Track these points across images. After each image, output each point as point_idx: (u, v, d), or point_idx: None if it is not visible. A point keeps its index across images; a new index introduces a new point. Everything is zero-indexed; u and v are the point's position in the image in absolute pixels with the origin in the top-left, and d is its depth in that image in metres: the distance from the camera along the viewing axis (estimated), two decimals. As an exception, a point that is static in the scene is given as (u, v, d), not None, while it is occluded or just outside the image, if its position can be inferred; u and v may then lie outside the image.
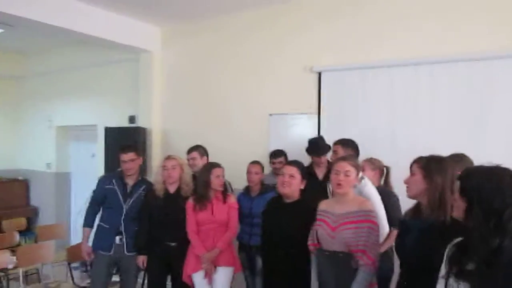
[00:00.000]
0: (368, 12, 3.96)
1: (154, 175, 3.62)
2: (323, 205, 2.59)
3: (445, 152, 2.27)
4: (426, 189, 1.93)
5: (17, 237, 5.21)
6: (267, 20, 4.56)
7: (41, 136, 7.04)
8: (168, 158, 3.55)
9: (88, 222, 3.66)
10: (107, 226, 3.55)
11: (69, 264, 4.20)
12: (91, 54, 6.10)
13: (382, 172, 3.34)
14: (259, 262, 3.39)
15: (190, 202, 3.35)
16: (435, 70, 3.61)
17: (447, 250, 1.57)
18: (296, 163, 2.92)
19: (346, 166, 2.47)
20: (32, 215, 7.03)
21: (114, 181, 3.59)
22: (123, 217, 3.51)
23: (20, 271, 4.15)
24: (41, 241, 5.07)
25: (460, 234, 1.68)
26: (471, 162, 2.60)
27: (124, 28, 4.99)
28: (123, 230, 3.50)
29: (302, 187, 2.84)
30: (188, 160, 3.90)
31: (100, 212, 3.71)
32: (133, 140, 5.07)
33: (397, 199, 3.09)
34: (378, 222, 2.45)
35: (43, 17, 4.17)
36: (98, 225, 3.64)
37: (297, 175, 2.80)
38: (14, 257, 4.34)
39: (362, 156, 3.34)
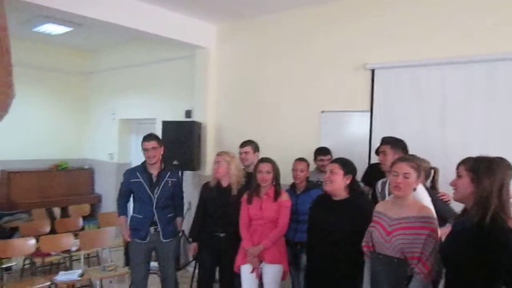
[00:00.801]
0: (422, 8, 3.82)
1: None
2: (380, 207, 2.49)
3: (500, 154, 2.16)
4: (473, 192, 1.84)
5: (81, 222, 5.59)
6: (321, 17, 4.53)
7: (105, 128, 7.49)
8: (220, 153, 3.68)
9: (121, 211, 3.81)
10: (141, 216, 3.67)
11: (125, 249, 4.44)
12: (151, 51, 6.39)
13: (428, 173, 3.22)
14: (303, 258, 3.40)
15: (244, 196, 3.44)
16: (491, 68, 3.43)
17: None
18: (338, 160, 2.86)
19: (405, 168, 2.33)
20: (95, 202, 7.48)
21: (138, 173, 3.68)
22: (154, 206, 3.63)
23: (82, 253, 4.46)
24: (102, 227, 5.41)
25: (496, 239, 1.63)
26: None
27: (181, 26, 5.16)
28: (156, 220, 3.63)
29: (348, 182, 2.77)
30: (240, 153, 3.98)
31: (132, 203, 3.85)
32: (188, 134, 5.26)
33: (439, 200, 2.99)
34: (438, 230, 2.29)
35: (108, 16, 4.42)
36: (132, 216, 3.75)
37: (339, 171, 2.74)
38: (77, 240, 4.68)
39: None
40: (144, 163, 3.74)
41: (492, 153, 2.04)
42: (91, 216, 6.65)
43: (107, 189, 7.38)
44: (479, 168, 1.84)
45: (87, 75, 7.93)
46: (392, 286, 2.28)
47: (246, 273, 3.36)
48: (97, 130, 7.74)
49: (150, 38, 5.28)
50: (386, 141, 3.24)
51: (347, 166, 2.80)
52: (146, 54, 6.53)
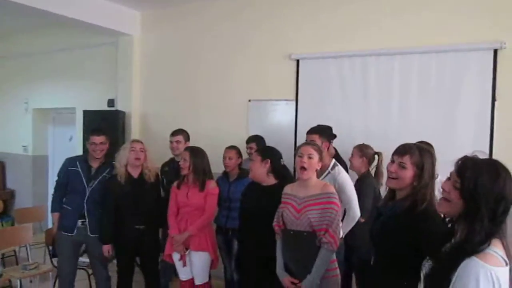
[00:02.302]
0: (347, 2, 4.05)
1: (117, 159, 3.55)
2: (288, 189, 2.68)
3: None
4: (411, 183, 1.91)
5: (-7, 220, 5.19)
6: (247, 7, 4.60)
7: (17, 118, 6.92)
8: (136, 141, 3.65)
9: (56, 207, 3.63)
10: (70, 208, 3.54)
11: (47, 246, 4.21)
12: (71, 37, 6.00)
13: (372, 158, 3.45)
14: (235, 244, 3.49)
15: (174, 185, 3.44)
16: (408, 60, 3.75)
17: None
18: (258, 149, 3.01)
19: (309, 150, 2.56)
20: (8, 198, 6.94)
21: (78, 163, 3.56)
22: (86, 199, 3.51)
23: (-3, 253, 4.16)
24: (18, 223, 5.06)
25: (430, 225, 1.76)
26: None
27: (104, 11, 4.94)
28: (85, 213, 3.50)
29: (267, 167, 2.84)
30: (171, 142, 3.95)
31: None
32: (111, 124, 5.08)
33: (371, 189, 3.23)
34: (339, 203, 2.56)
35: (21, -2, 4.09)
36: (63, 207, 3.61)
37: (256, 157, 2.87)
38: (-9, 240, 4.34)
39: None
40: (86, 153, 3.64)
41: (410, 138, 2.26)
42: (4, 213, 6.19)
43: (22, 183, 6.87)
44: (424, 164, 1.90)
45: (-6, 61, 7.27)
46: (302, 257, 2.50)
47: (177, 260, 3.39)
48: (8, 121, 7.12)
49: (69, 23, 4.97)
50: (313, 130, 3.33)
51: (263, 152, 2.93)
52: (65, 40, 6.11)
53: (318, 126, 3.40)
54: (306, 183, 2.58)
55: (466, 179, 1.41)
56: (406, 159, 1.91)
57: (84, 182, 3.52)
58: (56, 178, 3.71)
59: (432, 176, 1.92)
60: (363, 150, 3.42)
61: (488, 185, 1.38)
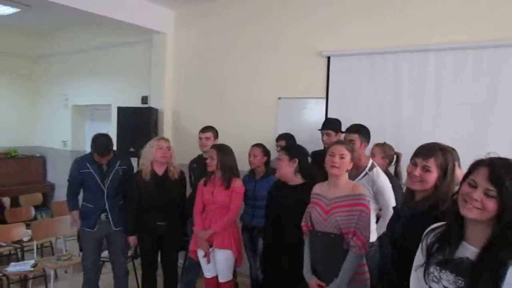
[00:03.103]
0: (379, -3, 3.94)
1: (143, 156, 3.60)
2: (317, 189, 2.62)
3: (449, 142, 2.28)
4: (435, 185, 1.87)
5: (32, 211, 5.40)
6: (278, 3, 4.56)
7: (57, 114, 7.21)
8: (162, 138, 3.66)
9: (73, 205, 3.69)
10: (92, 206, 3.59)
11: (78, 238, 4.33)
12: (107, 35, 6.18)
13: (391, 158, 3.35)
14: (260, 243, 3.47)
15: (201, 182, 3.46)
16: (442, 57, 3.60)
17: (426, 238, 1.57)
18: (284, 147, 2.95)
19: (341, 149, 2.48)
20: (48, 191, 7.24)
21: (88, 164, 3.58)
22: (105, 196, 3.56)
23: (35, 243, 4.33)
24: (56, 216, 5.25)
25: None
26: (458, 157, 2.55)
27: (138, 9, 5.03)
28: (107, 208, 3.57)
29: (295, 166, 2.83)
30: (201, 138, 3.97)
31: (81, 193, 3.73)
32: (144, 120, 5.18)
33: (400, 192, 3.10)
34: (369, 206, 2.47)
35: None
36: (82, 205, 3.66)
37: (283, 157, 2.84)
38: (29, 231, 4.53)
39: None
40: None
41: (443, 137, 2.16)
42: (43, 206, 6.44)
43: (61, 177, 7.09)
44: (448, 166, 1.86)
45: (37, 59, 7.57)
46: (330, 260, 2.43)
47: (201, 257, 3.41)
48: (48, 117, 7.44)
49: (106, 22, 5.11)
50: (353, 129, 3.14)
51: (290, 151, 2.90)
52: (102, 38, 6.31)
53: (357, 125, 3.19)
54: (336, 183, 2.50)
55: (505, 188, 1.32)
56: (431, 163, 1.86)
57: (99, 181, 3.55)
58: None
59: (453, 176, 1.87)
60: (386, 151, 3.32)
61: None
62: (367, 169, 2.98)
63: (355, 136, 3.05)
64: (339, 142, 2.62)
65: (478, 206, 1.37)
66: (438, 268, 1.47)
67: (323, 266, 2.48)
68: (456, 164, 2.36)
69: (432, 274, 1.48)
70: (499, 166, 1.36)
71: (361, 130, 3.11)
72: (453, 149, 2.51)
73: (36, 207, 5.73)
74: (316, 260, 2.52)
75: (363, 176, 2.98)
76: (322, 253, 2.48)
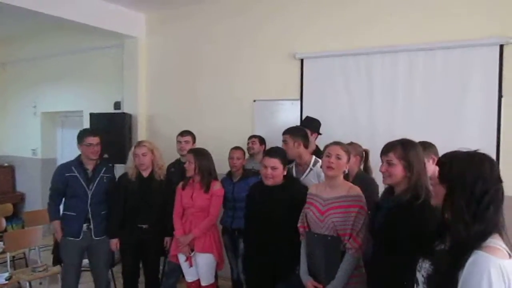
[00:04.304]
0: (350, 0, 4.02)
1: (128, 161, 3.63)
2: (313, 189, 2.62)
3: (420, 139, 2.37)
4: (405, 177, 2.00)
5: (3, 222, 5.22)
6: (250, 6, 4.60)
7: (26, 122, 7.02)
8: (138, 145, 3.62)
9: (54, 215, 3.58)
10: (74, 214, 3.50)
11: (52, 252, 4.23)
12: (76, 40, 6.06)
13: (362, 157, 3.43)
14: (241, 244, 3.48)
15: (179, 186, 3.45)
16: (413, 57, 3.71)
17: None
18: (278, 155, 2.84)
19: (338, 150, 2.49)
20: (18, 201, 7.03)
21: (73, 168, 3.52)
22: (89, 202, 3.49)
23: (8, 255, 4.20)
24: (28, 226, 5.11)
25: (429, 216, 1.78)
26: (436, 151, 2.67)
27: (109, 14, 4.98)
28: (90, 217, 3.49)
29: (284, 173, 2.84)
30: (180, 142, 3.97)
31: (63, 201, 3.63)
32: (118, 126, 5.12)
33: (376, 186, 3.18)
34: (366, 207, 2.45)
35: (26, 3, 4.13)
36: (64, 214, 3.56)
37: (279, 166, 2.79)
38: (1, 242, 4.39)
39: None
40: (79, 157, 3.59)
41: (415, 136, 2.22)
42: (14, 216, 6.26)
43: (31, 186, 6.96)
44: (409, 156, 1.99)
45: (4, 66, 7.35)
46: (327, 261, 2.42)
47: (182, 261, 3.40)
48: (17, 125, 7.22)
49: (75, 26, 5.01)
50: (285, 130, 3.26)
51: (285, 160, 2.88)
52: (71, 43, 6.18)
53: (297, 126, 3.43)
54: (332, 183, 2.50)
55: (442, 164, 1.48)
56: (391, 156, 2.02)
57: (84, 186, 3.49)
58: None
59: (424, 165, 2.01)
60: (356, 149, 3.40)
61: (462, 165, 1.42)
62: (311, 165, 3.10)
63: (286, 137, 3.17)
64: (335, 143, 2.58)
65: (433, 191, 1.61)
66: (422, 258, 1.55)
67: (320, 268, 2.47)
68: (433, 157, 2.48)
69: (419, 264, 1.56)
70: (446, 153, 1.55)
71: (293, 130, 3.22)
72: (431, 144, 2.67)
73: (7, 218, 5.55)
74: (313, 262, 2.51)
75: (308, 172, 3.08)
76: (319, 255, 2.46)
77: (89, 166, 3.56)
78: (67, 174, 3.51)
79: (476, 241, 1.33)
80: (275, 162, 2.78)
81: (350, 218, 2.36)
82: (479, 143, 3.25)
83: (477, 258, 1.29)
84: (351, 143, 3.44)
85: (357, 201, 2.41)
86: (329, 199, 2.46)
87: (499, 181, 1.41)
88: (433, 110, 3.64)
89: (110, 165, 3.79)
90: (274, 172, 2.78)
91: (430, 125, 3.59)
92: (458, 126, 3.55)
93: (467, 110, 3.53)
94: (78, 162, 3.57)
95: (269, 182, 2.79)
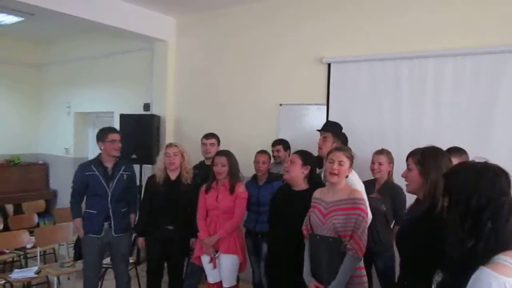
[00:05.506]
0: (378, 4, 3.98)
1: (157, 162, 3.70)
2: (317, 193, 2.68)
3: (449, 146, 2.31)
4: (423, 184, 1.91)
5: (36, 218, 5.42)
6: (279, 11, 4.61)
7: (60, 121, 7.27)
8: (170, 145, 3.68)
9: (76, 213, 3.66)
10: (95, 212, 3.58)
11: (75, 244, 4.34)
12: (109, 43, 6.25)
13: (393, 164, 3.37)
14: (264, 248, 3.50)
15: (202, 188, 3.48)
16: (442, 63, 3.63)
17: None
18: (298, 150, 2.95)
19: (340, 156, 2.55)
20: (51, 197, 7.26)
21: (93, 167, 3.60)
22: (109, 200, 3.56)
23: (38, 250, 4.35)
24: (58, 223, 5.27)
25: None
26: (467, 158, 2.60)
27: (140, 18, 5.10)
28: (111, 214, 3.56)
29: (306, 173, 2.85)
30: (205, 144, 4.01)
31: (84, 200, 3.72)
32: (146, 127, 5.22)
33: (405, 196, 3.11)
34: (366, 210, 2.53)
35: (63, 7, 4.29)
36: (85, 212, 3.65)
37: (297, 161, 2.85)
38: (33, 237, 4.55)
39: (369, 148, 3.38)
40: (99, 156, 3.67)
41: (443, 143, 2.19)
42: (46, 212, 6.47)
43: (63, 184, 7.11)
44: (425, 161, 1.91)
45: (40, 67, 7.64)
46: (328, 262, 2.47)
47: (206, 263, 3.42)
48: (51, 124, 7.49)
49: (108, 30, 5.18)
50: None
51: (306, 156, 2.90)
52: (103, 46, 6.38)
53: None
54: (334, 187, 2.57)
55: (445, 176, 1.48)
56: (410, 161, 1.99)
57: (104, 184, 3.56)
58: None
59: (434, 173, 1.89)
60: (389, 156, 3.36)
61: (461, 178, 1.39)
62: None
63: (328, 134, 3.31)
64: (338, 149, 2.67)
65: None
66: (438, 272, 1.51)
67: (322, 269, 2.52)
68: None
69: (434, 277, 1.52)
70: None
71: (337, 131, 3.36)
72: (463, 151, 2.60)
73: (39, 214, 5.75)
74: (316, 263, 2.56)
75: None
76: (321, 256, 2.52)
77: (109, 164, 3.63)
78: (87, 173, 3.59)
79: (479, 257, 1.27)
80: (293, 156, 2.86)
81: (351, 220, 2.43)
82: (508, 151, 3.20)
83: (479, 274, 1.25)
84: (382, 150, 3.40)
85: (358, 204, 2.47)
86: (331, 202, 2.53)
87: (503, 194, 1.32)
88: (461, 116, 3.54)
89: (130, 163, 3.88)
90: (290, 165, 2.85)
91: (458, 132, 3.49)
92: (487, 133, 3.43)
93: (496, 117, 3.41)
94: (97, 161, 3.65)
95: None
